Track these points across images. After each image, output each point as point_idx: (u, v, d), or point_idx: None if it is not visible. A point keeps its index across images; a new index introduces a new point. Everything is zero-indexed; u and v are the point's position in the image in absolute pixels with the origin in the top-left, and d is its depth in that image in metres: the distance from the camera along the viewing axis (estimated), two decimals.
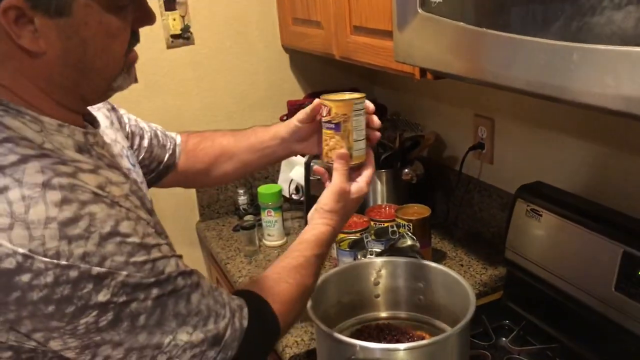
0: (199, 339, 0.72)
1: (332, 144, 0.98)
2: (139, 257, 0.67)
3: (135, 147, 1.08)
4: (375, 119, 1.02)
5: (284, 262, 0.92)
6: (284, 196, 1.84)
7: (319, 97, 1.01)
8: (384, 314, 1.19)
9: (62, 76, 0.70)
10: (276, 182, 1.97)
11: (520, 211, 1.27)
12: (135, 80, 0.80)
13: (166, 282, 0.69)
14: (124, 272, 0.65)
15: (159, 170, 1.15)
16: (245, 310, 0.80)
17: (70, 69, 0.70)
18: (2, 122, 0.66)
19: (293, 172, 1.90)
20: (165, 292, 0.69)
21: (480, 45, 0.89)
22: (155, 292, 0.68)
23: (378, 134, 1.03)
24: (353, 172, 0.99)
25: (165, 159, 1.15)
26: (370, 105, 1.00)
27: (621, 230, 1.08)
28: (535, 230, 1.24)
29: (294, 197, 1.90)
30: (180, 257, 0.74)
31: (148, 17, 0.75)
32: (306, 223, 1.02)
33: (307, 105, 2.04)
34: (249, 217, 1.76)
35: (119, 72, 0.74)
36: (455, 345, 0.97)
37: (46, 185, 0.62)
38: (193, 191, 1.94)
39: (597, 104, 0.71)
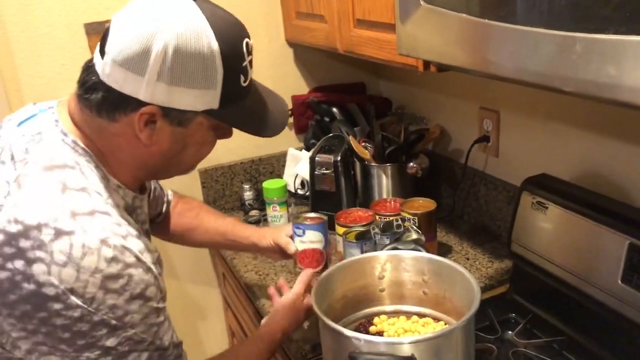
0: None
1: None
2: (151, 320, 0.80)
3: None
4: None
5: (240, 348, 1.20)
6: (289, 191, 1.84)
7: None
8: (389, 308, 1.18)
9: (154, 164, 0.87)
10: (281, 177, 1.97)
11: (526, 204, 1.27)
12: None
13: (161, 347, 0.83)
14: (135, 330, 0.78)
15: (157, 221, 1.31)
16: None
17: (163, 161, 0.87)
18: (84, 171, 0.80)
19: (298, 166, 1.90)
20: (157, 353, 0.83)
21: (483, 37, 0.89)
22: (151, 349, 0.81)
23: None
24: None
25: (163, 210, 1.31)
26: None
27: (627, 222, 1.07)
28: (541, 223, 1.24)
29: (300, 192, 1.90)
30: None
31: (230, 134, 0.92)
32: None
33: (311, 100, 2.04)
34: (254, 212, 1.76)
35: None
36: (461, 338, 0.96)
37: (104, 242, 0.74)
38: (199, 187, 1.95)
39: (600, 94, 0.70)
